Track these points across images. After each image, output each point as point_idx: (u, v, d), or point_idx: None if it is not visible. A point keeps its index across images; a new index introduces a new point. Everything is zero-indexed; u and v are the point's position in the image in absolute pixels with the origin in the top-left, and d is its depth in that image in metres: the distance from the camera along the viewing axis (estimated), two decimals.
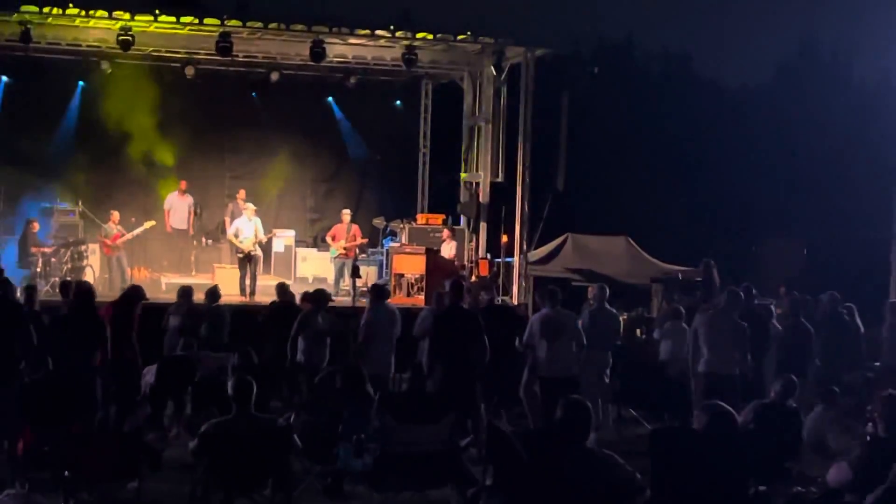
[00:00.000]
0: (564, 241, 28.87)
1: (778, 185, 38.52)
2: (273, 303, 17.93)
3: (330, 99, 27.44)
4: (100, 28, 22.49)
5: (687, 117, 41.00)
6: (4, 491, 10.88)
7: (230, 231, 22.74)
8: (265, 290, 21.64)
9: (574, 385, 14.13)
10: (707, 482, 8.57)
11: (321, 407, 12.39)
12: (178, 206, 24.98)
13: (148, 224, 23.42)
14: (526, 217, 23.78)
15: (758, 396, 12.76)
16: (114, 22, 21.85)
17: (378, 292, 15.93)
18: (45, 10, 21.22)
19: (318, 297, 16.44)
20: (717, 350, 14.13)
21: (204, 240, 25.58)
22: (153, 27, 22.41)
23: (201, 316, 16.74)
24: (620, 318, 18.13)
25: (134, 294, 15.53)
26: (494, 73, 24.11)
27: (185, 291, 17.03)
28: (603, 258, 28.13)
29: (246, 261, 22.19)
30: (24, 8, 20.98)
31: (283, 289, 17.98)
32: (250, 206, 22.91)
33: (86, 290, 13.81)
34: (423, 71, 26.11)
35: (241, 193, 24.68)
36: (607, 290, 16.80)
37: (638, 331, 22.24)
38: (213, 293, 17.42)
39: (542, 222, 24.69)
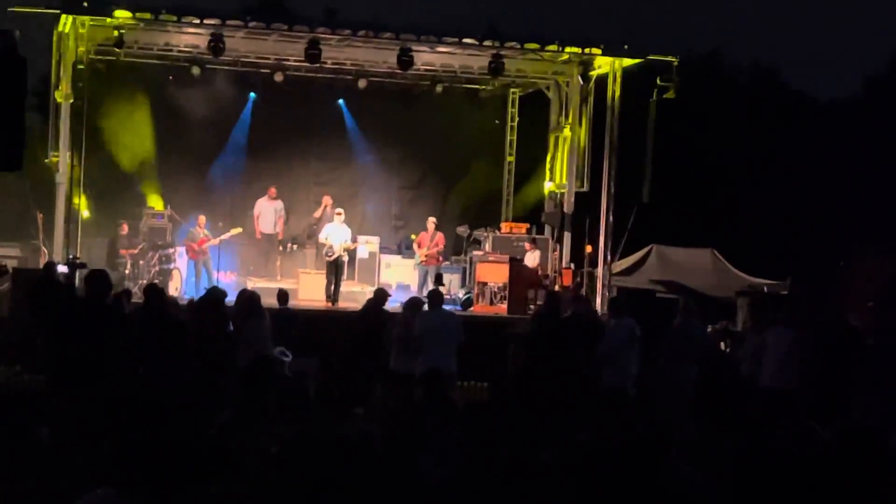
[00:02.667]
0: (649, 253, 28.68)
1: (868, 198, 37.91)
2: (366, 307, 17.76)
3: (416, 107, 27.50)
4: (191, 34, 22.75)
5: (775, 129, 40.53)
6: (93, 492, 10.98)
7: (322, 235, 22.80)
8: (348, 297, 21.72)
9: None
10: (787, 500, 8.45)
11: (404, 414, 12.38)
12: (267, 210, 25.18)
13: (235, 230, 23.61)
14: (610, 227, 23.66)
15: (835, 414, 12.55)
16: (206, 28, 22.10)
17: (435, 298, 15.89)
18: (139, 15, 21.49)
19: (414, 304, 16.37)
20: (773, 364, 13.96)
21: (289, 245, 25.73)
22: (243, 33, 22.61)
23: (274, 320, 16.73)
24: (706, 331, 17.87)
25: (214, 296, 15.61)
26: (581, 82, 24.03)
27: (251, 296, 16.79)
28: (688, 270, 27.89)
29: (333, 266, 22.25)
30: (117, 13, 21.25)
31: (380, 294, 17.79)
32: (341, 211, 23.00)
33: (158, 293, 13.89)
34: (509, 80, 26.08)
35: (329, 199, 24.81)
36: (691, 302, 16.55)
37: (722, 344, 22.01)
38: (283, 297, 17.37)
39: (627, 233, 24.51)
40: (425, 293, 22.71)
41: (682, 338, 15.57)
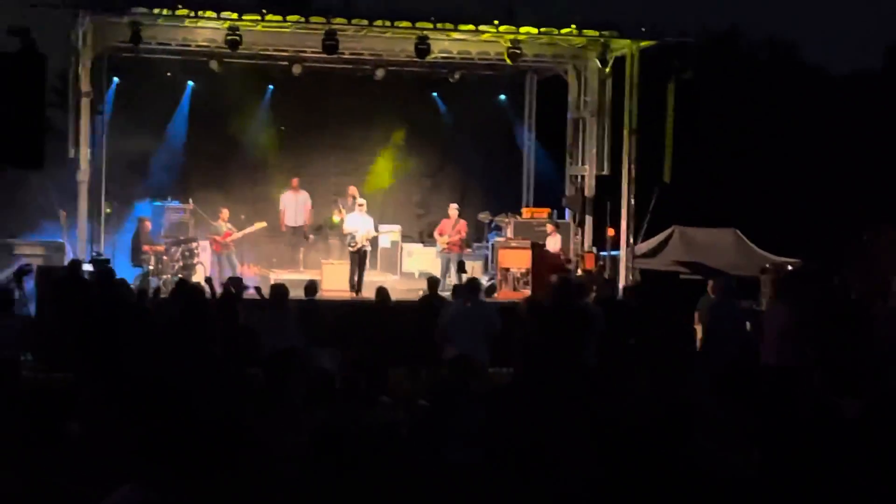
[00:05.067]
0: (671, 234, 28.60)
1: (890, 172, 37.70)
2: (424, 295, 17.81)
3: (434, 94, 27.59)
4: (208, 28, 22.80)
5: (794, 105, 40.32)
6: (119, 489, 11.07)
7: (345, 226, 22.81)
8: (371, 286, 21.76)
9: None
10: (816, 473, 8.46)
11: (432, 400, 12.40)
12: (291, 203, 25.32)
13: (259, 225, 23.70)
14: (632, 210, 23.65)
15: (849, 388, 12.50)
16: (222, 22, 22.12)
17: (470, 287, 15.91)
18: (156, 11, 21.54)
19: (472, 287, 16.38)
20: (769, 342, 13.88)
21: (311, 237, 25.81)
22: (260, 26, 22.62)
23: (300, 311, 16.77)
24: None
25: (233, 287, 15.70)
26: (599, 65, 23.99)
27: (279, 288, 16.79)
28: (711, 251, 27.80)
29: (357, 256, 22.29)
30: (134, 9, 21.31)
31: (432, 281, 17.82)
32: (363, 201, 23.04)
33: (192, 290, 13.98)
34: (527, 65, 26.06)
35: (353, 190, 24.90)
36: (733, 282, 16.12)
37: (748, 324, 21.93)
38: (311, 288, 17.39)
39: (649, 215, 24.47)
40: (448, 281, 22.86)
41: (722, 319, 15.25)
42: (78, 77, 21.93)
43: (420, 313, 16.94)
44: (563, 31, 23.26)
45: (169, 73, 25.45)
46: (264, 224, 23.98)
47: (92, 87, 21.88)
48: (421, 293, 18.68)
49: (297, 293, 16.79)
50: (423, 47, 22.79)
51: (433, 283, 17.70)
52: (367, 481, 9.98)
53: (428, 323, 15.93)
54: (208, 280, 17.49)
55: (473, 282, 16.48)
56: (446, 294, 18.02)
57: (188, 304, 15.04)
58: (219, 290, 16.56)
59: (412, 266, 25.43)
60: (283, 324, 15.18)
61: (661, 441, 8.44)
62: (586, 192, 25.03)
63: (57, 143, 21.54)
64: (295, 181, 25.40)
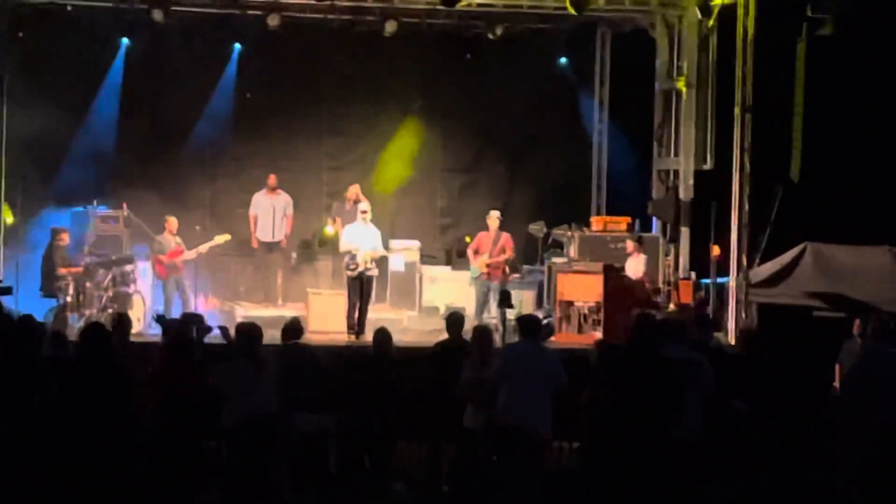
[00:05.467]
0: (802, 254, 28.44)
1: None
2: (441, 342, 17.67)
3: (467, 57, 27.57)
4: None
5: None
6: None
7: (343, 242, 22.73)
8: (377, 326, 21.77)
9: None
10: None
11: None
12: (265, 209, 25.36)
13: (221, 238, 23.63)
14: (746, 220, 23.56)
15: None
16: None
17: (528, 326, 15.79)
18: None
19: (483, 335, 16.30)
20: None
21: (293, 256, 25.81)
22: None
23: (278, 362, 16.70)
24: None
25: (194, 327, 15.64)
26: (699, 15, 23.95)
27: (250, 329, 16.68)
28: (858, 277, 27.60)
29: (357, 283, 22.20)
30: None
31: (453, 320, 17.66)
32: (367, 207, 22.95)
33: (97, 333, 13.86)
34: (597, 16, 26.07)
35: (355, 190, 24.90)
36: (890, 322, 16.01)
37: None
38: (293, 329, 17.31)
39: (770, 227, 24.40)
40: (486, 317, 22.78)
41: (871, 372, 15.04)
42: None
43: (438, 365, 16.86)
44: None
45: (94, 28, 25.42)
46: (228, 237, 23.92)
47: None
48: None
49: (273, 335, 16.77)
50: None
51: (454, 322, 17.42)
52: None
53: (449, 378, 15.89)
54: (160, 319, 17.34)
55: (529, 321, 16.35)
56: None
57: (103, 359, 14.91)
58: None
59: (436, 297, 25.39)
60: (255, 379, 15.13)
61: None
62: (681, 195, 25.00)
63: None
64: (272, 179, 25.45)
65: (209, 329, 16.46)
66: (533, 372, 14.93)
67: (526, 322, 15.85)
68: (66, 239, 22.94)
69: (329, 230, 24.48)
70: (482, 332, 16.20)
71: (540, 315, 23.50)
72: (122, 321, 16.62)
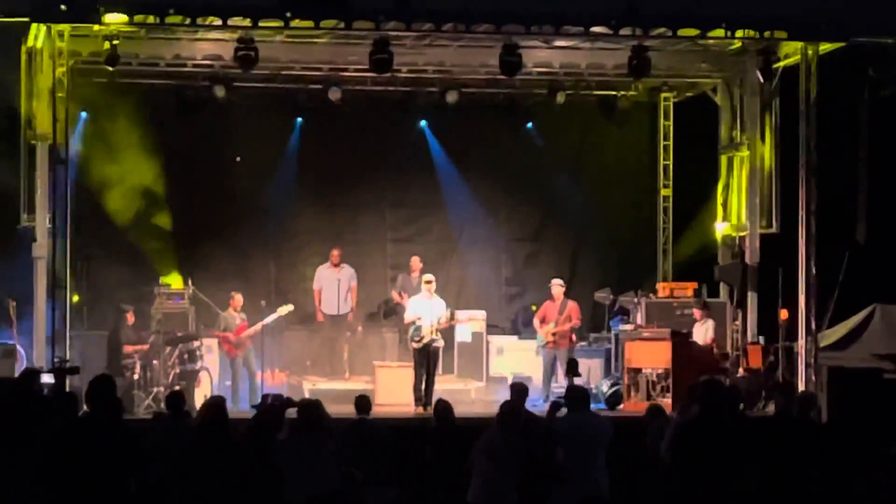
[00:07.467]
0: (871, 315, 28.24)
1: None
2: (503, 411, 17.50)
3: (529, 125, 27.57)
4: (210, 40, 22.96)
5: None
6: None
7: (408, 314, 22.74)
8: (445, 397, 21.66)
9: None
10: None
11: None
12: (330, 283, 25.36)
13: (284, 309, 23.65)
14: (813, 282, 23.34)
15: None
16: (230, 31, 22.25)
17: (577, 396, 15.65)
18: (138, 19, 21.48)
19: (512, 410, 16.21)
20: None
21: (359, 329, 25.80)
22: (283, 36, 22.74)
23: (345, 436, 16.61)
24: None
25: (278, 409, 15.56)
26: (761, 79, 23.85)
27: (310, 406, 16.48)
28: None
29: (424, 355, 22.17)
30: (106, 18, 21.08)
31: (520, 389, 17.52)
32: (431, 278, 23.02)
33: (216, 407, 13.77)
34: (659, 81, 26.03)
35: (416, 262, 24.93)
36: None
37: None
38: (361, 405, 17.23)
39: (838, 289, 24.20)
40: (554, 386, 22.69)
41: None
42: (32, 114, 22.09)
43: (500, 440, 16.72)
44: (710, 32, 23.09)
45: (154, 104, 25.51)
46: (291, 307, 23.91)
47: (52, 127, 21.89)
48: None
49: (339, 409, 16.72)
50: (512, 59, 22.79)
51: (519, 392, 17.30)
52: None
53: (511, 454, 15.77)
54: (264, 399, 16.97)
55: (577, 393, 16.12)
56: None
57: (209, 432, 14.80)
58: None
59: (503, 367, 25.31)
60: (317, 456, 15.06)
61: None
62: (748, 259, 24.84)
63: (1, 206, 21.72)
64: (336, 252, 25.46)
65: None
66: (590, 444, 14.83)
67: (572, 394, 15.69)
68: (131, 318, 23.01)
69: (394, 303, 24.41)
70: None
71: (607, 384, 23.46)
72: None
